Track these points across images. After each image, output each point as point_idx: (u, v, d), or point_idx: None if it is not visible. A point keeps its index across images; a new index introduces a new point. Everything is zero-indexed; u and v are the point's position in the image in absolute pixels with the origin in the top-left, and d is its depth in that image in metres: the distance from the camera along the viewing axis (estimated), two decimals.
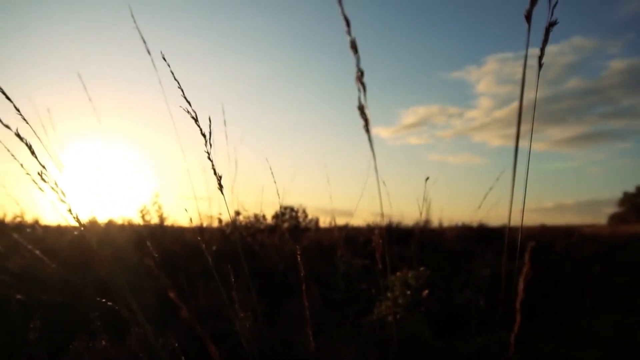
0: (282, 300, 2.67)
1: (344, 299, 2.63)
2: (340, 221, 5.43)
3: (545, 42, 0.76)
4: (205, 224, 3.60)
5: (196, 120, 1.13)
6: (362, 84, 0.54)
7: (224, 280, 1.52)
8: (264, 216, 4.87)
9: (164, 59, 1.13)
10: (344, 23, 0.55)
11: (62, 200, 1.11)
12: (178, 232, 3.30)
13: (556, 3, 0.76)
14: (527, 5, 0.70)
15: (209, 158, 1.13)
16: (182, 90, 1.12)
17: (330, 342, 2.13)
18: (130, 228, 2.98)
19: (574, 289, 3.92)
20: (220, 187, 1.13)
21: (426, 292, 2.62)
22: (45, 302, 2.35)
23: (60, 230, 3.23)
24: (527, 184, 0.85)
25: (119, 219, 3.83)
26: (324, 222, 6.20)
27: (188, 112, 1.12)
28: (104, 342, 1.31)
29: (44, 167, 1.09)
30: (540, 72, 0.77)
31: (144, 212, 3.08)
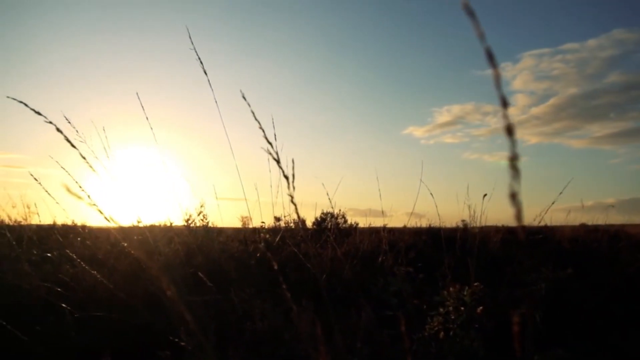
0: (328, 311, 2.61)
1: (395, 315, 2.56)
2: (376, 222, 5.35)
3: None
4: (248, 225, 3.59)
5: (278, 162, 1.07)
6: (516, 169, 0.46)
7: (277, 286, 1.47)
8: (303, 221, 4.85)
9: (244, 98, 1.07)
10: (501, 105, 0.47)
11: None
12: (223, 239, 3.29)
13: None
14: None
15: (292, 202, 1.07)
16: (263, 131, 1.06)
17: None
18: (177, 239, 2.98)
19: (625, 298, 3.73)
20: (306, 232, 1.07)
21: (481, 308, 2.52)
22: (99, 318, 2.37)
23: (109, 240, 3.27)
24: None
25: (163, 223, 3.86)
26: (362, 223, 6.14)
27: (270, 153, 1.06)
28: None
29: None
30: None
31: (189, 221, 3.08)
